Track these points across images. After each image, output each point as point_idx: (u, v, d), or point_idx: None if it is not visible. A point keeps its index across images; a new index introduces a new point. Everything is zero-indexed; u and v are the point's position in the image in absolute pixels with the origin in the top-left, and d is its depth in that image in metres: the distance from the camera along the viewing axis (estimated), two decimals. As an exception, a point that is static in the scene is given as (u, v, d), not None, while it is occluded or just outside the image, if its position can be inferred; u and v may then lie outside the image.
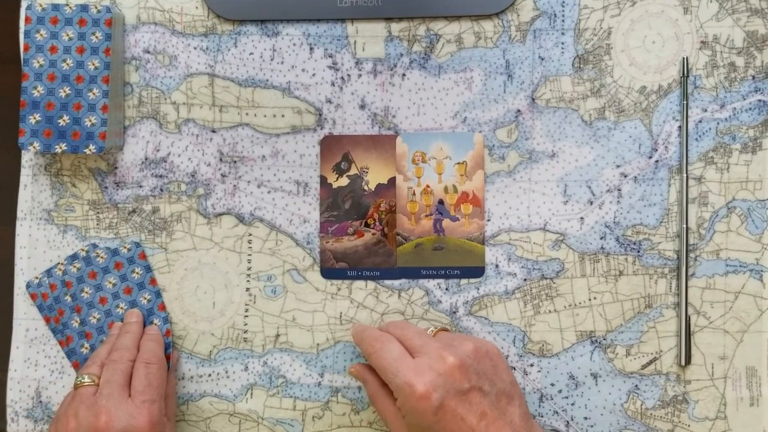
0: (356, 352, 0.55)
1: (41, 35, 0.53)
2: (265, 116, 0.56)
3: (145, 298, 0.55)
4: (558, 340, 0.55)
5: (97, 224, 0.56)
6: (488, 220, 0.55)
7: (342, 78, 0.56)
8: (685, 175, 0.54)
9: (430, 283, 0.55)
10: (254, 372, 0.55)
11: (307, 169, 0.56)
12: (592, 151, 0.55)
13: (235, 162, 0.56)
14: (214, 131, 0.56)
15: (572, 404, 0.54)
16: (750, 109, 0.54)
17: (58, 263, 0.55)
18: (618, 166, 0.55)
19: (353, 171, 0.56)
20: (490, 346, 0.49)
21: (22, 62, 0.54)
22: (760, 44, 0.54)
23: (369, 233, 0.55)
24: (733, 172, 0.54)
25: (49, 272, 0.55)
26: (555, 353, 0.55)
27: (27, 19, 0.53)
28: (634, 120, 0.55)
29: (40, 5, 0.53)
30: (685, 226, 0.54)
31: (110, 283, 0.55)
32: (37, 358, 0.55)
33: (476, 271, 0.55)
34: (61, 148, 0.53)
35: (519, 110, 0.55)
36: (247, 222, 0.56)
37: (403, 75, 0.55)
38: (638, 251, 0.54)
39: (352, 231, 0.56)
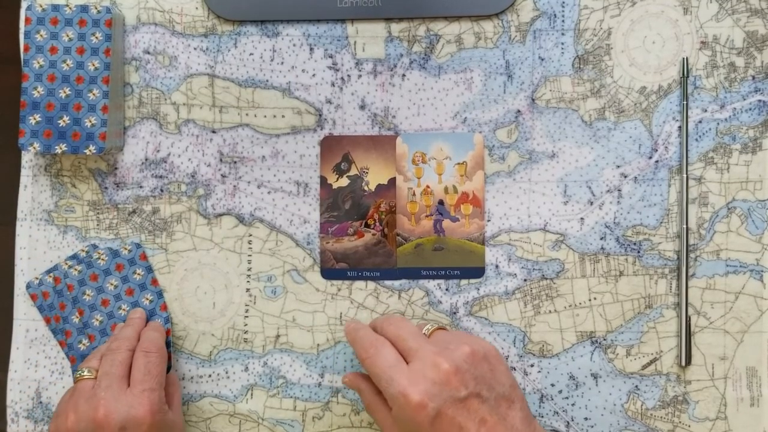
0: (354, 351, 0.55)
1: (41, 36, 0.53)
2: (265, 117, 0.56)
3: (147, 299, 0.55)
4: (558, 340, 0.55)
5: (98, 225, 0.56)
6: (488, 221, 0.55)
7: (342, 78, 0.56)
8: (685, 175, 0.54)
9: (431, 284, 0.55)
10: (254, 372, 0.55)
11: (307, 170, 0.56)
12: (592, 152, 0.55)
13: (235, 162, 0.56)
14: (214, 132, 0.56)
15: (572, 405, 0.54)
16: (750, 109, 0.54)
17: (59, 264, 0.55)
18: (618, 167, 0.55)
19: (353, 171, 0.56)
20: (488, 347, 0.47)
21: (22, 63, 0.54)
22: (760, 44, 0.54)
23: (369, 234, 0.55)
24: (733, 173, 0.54)
25: (49, 273, 0.55)
26: (555, 354, 0.55)
27: (27, 20, 0.53)
28: (634, 120, 0.55)
29: (40, 6, 0.53)
30: (685, 226, 0.54)
31: (112, 284, 0.55)
32: (37, 359, 0.55)
33: (476, 272, 0.55)
34: (61, 148, 0.53)
35: (519, 111, 0.55)
36: (247, 222, 0.56)
37: (403, 75, 0.55)
38: (638, 251, 0.54)
39: (352, 231, 0.56)
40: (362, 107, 0.56)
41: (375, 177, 0.56)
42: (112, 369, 0.48)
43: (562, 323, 0.55)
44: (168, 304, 0.55)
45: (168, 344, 0.54)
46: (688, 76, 0.54)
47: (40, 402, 0.55)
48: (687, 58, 0.54)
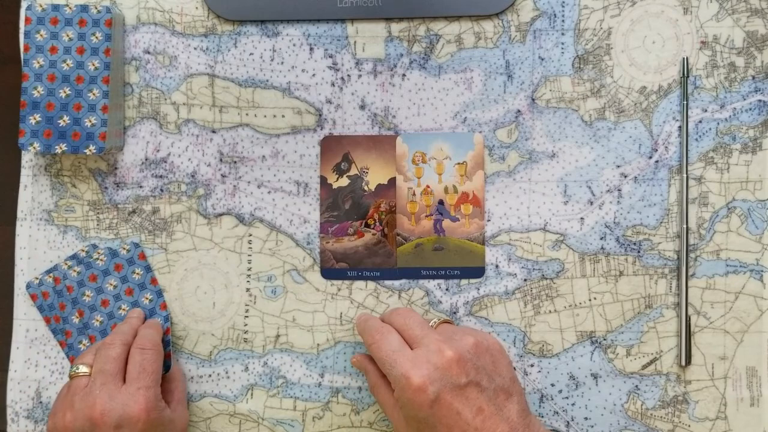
0: (357, 352, 0.55)
1: (41, 36, 0.53)
2: (265, 117, 0.56)
3: (146, 298, 0.55)
4: (558, 340, 0.55)
5: (98, 225, 0.56)
6: (488, 221, 0.55)
7: (342, 78, 0.56)
8: (685, 175, 0.54)
9: (431, 284, 0.55)
10: (254, 372, 0.55)
11: (308, 170, 0.56)
12: (592, 152, 0.55)
13: (235, 162, 0.56)
14: (214, 132, 0.56)
15: (572, 404, 0.54)
16: (750, 109, 0.54)
17: (59, 264, 0.55)
18: (618, 167, 0.55)
19: (353, 171, 0.56)
20: (493, 341, 0.49)
21: (22, 62, 0.54)
22: (760, 44, 0.54)
23: (369, 233, 0.55)
24: (733, 173, 0.54)
25: (49, 273, 0.55)
26: (555, 353, 0.55)
27: (27, 20, 0.53)
28: (634, 120, 0.55)
29: (40, 6, 0.53)
30: (685, 226, 0.54)
31: (111, 285, 0.55)
32: (38, 359, 0.55)
33: (476, 272, 0.55)
34: (61, 148, 0.53)
35: (519, 110, 0.55)
36: (247, 222, 0.56)
37: (403, 75, 0.55)
38: (638, 251, 0.54)
39: (352, 231, 0.56)
40: (362, 107, 0.56)
41: (375, 177, 0.56)
42: (107, 366, 0.48)
43: (562, 323, 0.55)
44: (168, 303, 0.55)
45: (167, 343, 0.54)
46: (688, 76, 0.54)
47: (40, 402, 0.55)
48: (687, 58, 0.54)
